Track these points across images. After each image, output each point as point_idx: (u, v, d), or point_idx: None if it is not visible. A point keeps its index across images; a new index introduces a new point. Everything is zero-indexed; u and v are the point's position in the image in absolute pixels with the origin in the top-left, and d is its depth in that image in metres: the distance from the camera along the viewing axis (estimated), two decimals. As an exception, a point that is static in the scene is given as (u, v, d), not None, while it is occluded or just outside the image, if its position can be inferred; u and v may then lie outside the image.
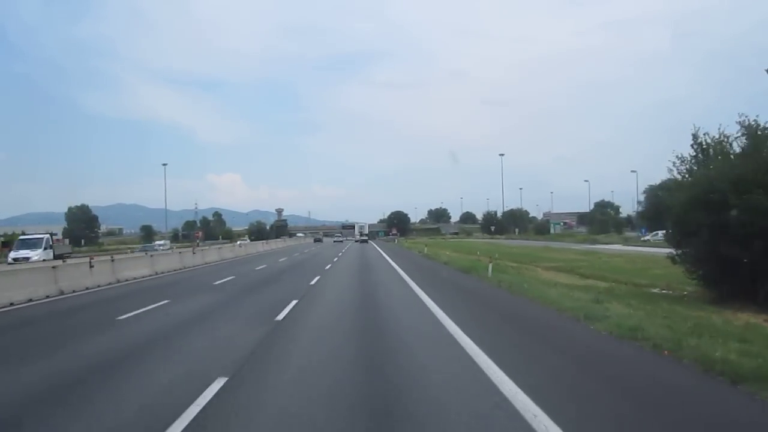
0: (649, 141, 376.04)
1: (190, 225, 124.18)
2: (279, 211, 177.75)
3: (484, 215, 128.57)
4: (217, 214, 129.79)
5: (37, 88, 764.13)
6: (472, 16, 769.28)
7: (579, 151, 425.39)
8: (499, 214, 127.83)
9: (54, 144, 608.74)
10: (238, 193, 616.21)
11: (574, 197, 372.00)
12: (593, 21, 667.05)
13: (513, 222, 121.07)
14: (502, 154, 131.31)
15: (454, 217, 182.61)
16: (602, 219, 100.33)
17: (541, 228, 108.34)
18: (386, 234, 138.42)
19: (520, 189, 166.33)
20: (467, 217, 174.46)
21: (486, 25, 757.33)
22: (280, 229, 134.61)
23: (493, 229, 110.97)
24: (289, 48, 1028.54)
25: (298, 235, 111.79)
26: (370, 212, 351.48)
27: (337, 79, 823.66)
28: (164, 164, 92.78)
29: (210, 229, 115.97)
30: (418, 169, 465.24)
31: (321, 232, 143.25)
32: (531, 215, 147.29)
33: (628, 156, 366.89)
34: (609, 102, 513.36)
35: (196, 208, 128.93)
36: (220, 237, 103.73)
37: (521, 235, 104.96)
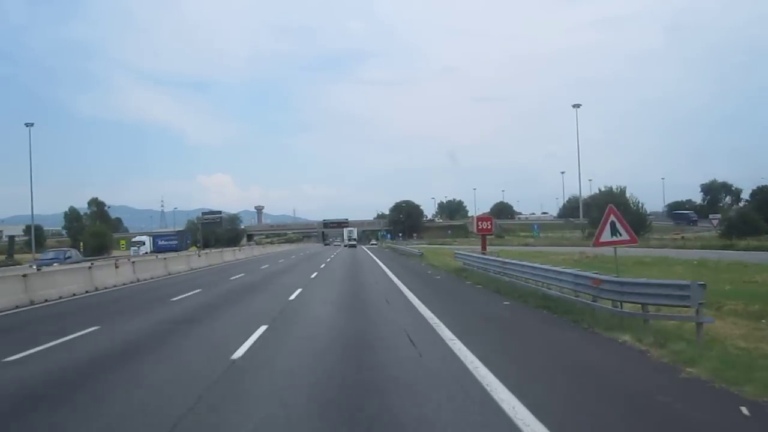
0: (645, 139, 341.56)
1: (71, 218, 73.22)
2: (259, 209, 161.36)
3: (587, 199, 74.63)
4: (99, 204, 74.02)
5: (25, 91, 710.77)
6: (462, 14, 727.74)
7: (570, 150, 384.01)
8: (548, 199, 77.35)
9: (42, 145, 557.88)
10: (228, 193, 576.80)
11: (570, 196, 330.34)
12: (585, 18, 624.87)
13: (596, 213, 70.98)
14: (578, 105, 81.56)
15: (472, 212, 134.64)
16: None
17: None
18: (393, 235, 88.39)
19: (562, 173, 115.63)
20: (500, 210, 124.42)
21: (476, 23, 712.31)
22: (207, 225, 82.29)
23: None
24: (279, 48, 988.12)
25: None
26: (361, 211, 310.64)
27: (328, 79, 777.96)
28: (28, 124, 54.19)
29: (76, 230, 62.76)
30: (410, 167, 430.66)
31: (301, 234, 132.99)
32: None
33: (623, 154, 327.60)
34: (601, 100, 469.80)
35: (162, 208, 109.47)
36: (81, 244, 51.03)
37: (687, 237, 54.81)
